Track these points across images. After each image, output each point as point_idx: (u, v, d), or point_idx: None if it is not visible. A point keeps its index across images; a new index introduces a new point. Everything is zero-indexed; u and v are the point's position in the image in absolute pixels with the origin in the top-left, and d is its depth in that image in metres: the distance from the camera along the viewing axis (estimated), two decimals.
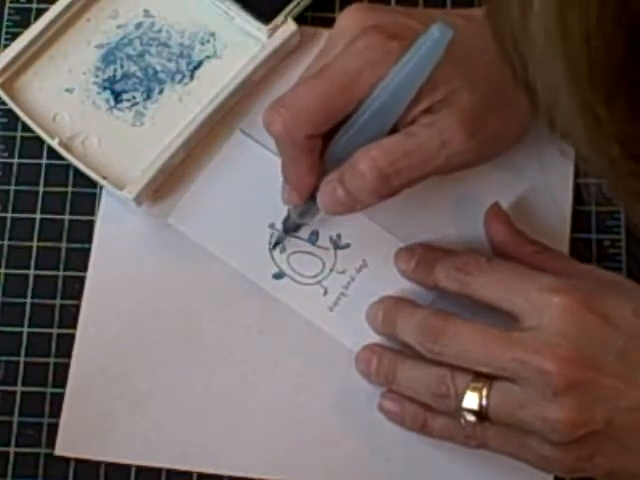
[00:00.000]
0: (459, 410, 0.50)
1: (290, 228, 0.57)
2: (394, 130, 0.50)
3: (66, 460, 0.56)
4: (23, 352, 0.57)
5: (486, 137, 0.51)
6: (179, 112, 0.59)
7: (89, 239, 0.59)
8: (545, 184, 0.58)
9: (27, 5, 0.63)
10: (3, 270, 0.59)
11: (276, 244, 0.58)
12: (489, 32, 0.51)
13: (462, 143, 0.49)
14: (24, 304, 0.58)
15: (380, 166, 0.49)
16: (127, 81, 0.60)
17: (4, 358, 0.57)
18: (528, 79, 0.33)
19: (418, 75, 0.47)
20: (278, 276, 0.58)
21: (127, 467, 0.55)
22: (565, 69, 0.31)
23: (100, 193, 0.59)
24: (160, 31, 0.61)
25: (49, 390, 0.57)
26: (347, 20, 0.51)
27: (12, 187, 0.60)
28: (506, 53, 0.34)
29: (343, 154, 0.50)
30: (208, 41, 0.61)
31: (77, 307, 0.57)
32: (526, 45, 0.32)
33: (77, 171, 0.59)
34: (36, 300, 0.58)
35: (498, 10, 0.33)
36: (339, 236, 0.58)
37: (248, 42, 0.60)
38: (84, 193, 0.59)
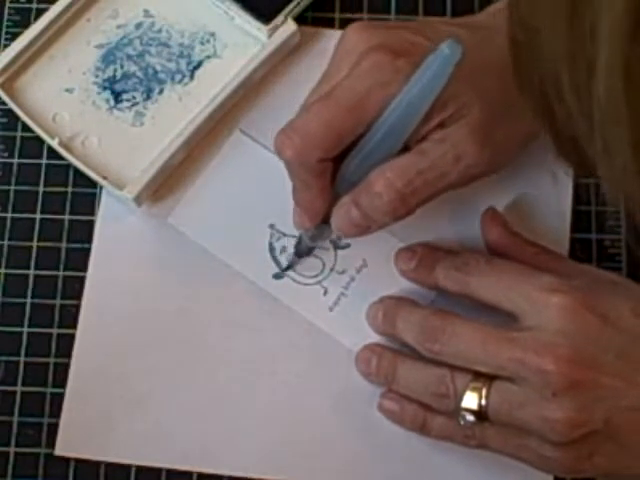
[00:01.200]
0: (459, 410, 0.50)
1: (302, 252, 0.57)
2: (405, 147, 0.50)
3: (66, 460, 0.56)
4: (23, 352, 0.57)
5: (496, 147, 0.50)
6: (179, 112, 0.59)
7: (89, 239, 0.59)
8: (545, 184, 0.58)
9: (27, 5, 0.63)
10: (3, 270, 0.59)
11: (288, 268, 0.58)
12: (490, 35, 0.51)
13: (475, 155, 0.49)
14: (24, 304, 0.58)
15: (397, 187, 0.48)
16: (127, 81, 0.60)
17: (4, 358, 0.57)
18: (573, 134, 0.33)
19: (429, 93, 0.46)
20: (278, 276, 0.58)
21: (127, 467, 0.55)
22: (628, 134, 0.31)
23: (100, 193, 0.59)
24: (160, 31, 0.61)
25: (49, 390, 0.57)
26: (351, 40, 0.50)
27: (12, 187, 0.60)
28: (542, 107, 0.34)
29: (356, 176, 0.50)
30: (208, 41, 0.61)
31: (77, 307, 0.57)
32: (589, 106, 0.32)
33: (77, 171, 0.59)
34: (36, 300, 0.58)
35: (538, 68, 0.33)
36: (339, 236, 0.58)
37: (248, 42, 0.60)
38: (84, 193, 0.59)
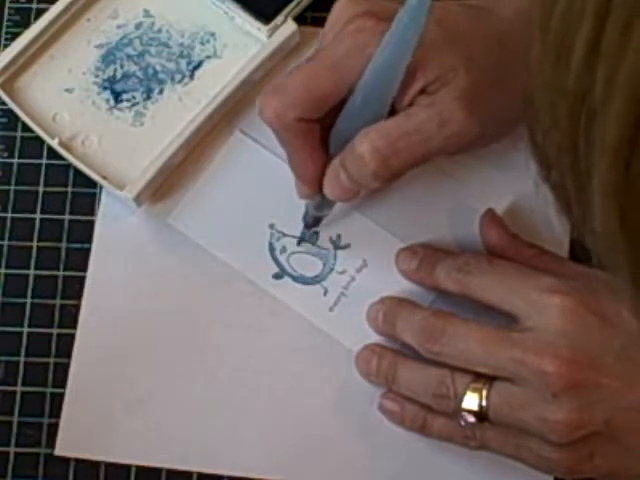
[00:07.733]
0: (459, 411, 0.50)
1: (310, 222, 0.57)
2: (394, 113, 0.50)
3: (66, 460, 0.56)
4: (23, 352, 0.57)
5: (487, 115, 0.50)
6: (179, 112, 0.59)
7: (89, 239, 0.59)
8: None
9: (27, 5, 0.63)
10: (3, 270, 0.59)
11: (300, 240, 0.58)
12: (483, 13, 0.51)
13: (461, 122, 0.49)
14: (24, 304, 0.58)
15: (378, 147, 0.48)
16: (127, 81, 0.60)
17: (4, 358, 0.57)
18: None
19: (405, 47, 0.46)
20: (278, 276, 0.58)
21: (127, 467, 0.55)
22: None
23: (100, 193, 0.59)
24: (160, 31, 0.61)
25: (49, 390, 0.57)
26: (338, 11, 0.51)
27: (12, 187, 0.60)
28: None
29: (344, 140, 0.50)
30: (208, 41, 0.61)
31: (77, 307, 0.57)
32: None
33: (77, 171, 0.59)
34: (36, 300, 0.58)
35: None
36: (339, 236, 0.58)
37: (248, 42, 0.60)
38: (84, 193, 0.59)
